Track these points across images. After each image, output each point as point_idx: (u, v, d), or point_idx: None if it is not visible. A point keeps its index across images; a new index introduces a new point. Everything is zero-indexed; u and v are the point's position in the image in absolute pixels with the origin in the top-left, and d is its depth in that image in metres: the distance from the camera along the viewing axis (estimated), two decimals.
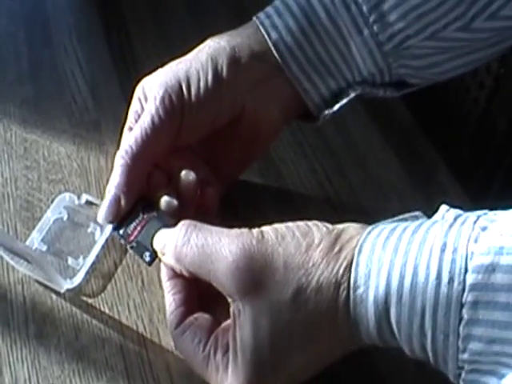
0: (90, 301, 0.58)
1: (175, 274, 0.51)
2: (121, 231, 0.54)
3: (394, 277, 0.42)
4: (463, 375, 0.41)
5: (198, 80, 0.55)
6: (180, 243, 0.49)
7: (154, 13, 0.84)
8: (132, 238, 0.54)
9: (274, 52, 0.56)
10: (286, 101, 0.58)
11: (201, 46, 0.57)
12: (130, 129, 0.57)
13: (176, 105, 0.54)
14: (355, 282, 0.44)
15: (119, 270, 0.59)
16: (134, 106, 0.58)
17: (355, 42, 0.55)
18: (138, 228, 0.54)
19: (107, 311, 0.57)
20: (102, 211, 0.53)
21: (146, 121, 0.54)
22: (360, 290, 0.43)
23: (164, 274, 0.52)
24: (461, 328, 0.40)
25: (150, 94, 0.55)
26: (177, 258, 0.49)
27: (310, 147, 0.68)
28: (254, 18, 0.57)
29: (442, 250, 0.41)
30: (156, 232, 0.53)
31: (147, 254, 0.53)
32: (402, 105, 0.72)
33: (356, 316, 0.44)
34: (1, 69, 0.77)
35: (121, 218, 0.54)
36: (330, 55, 0.56)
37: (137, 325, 0.56)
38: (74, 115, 0.72)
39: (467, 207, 0.44)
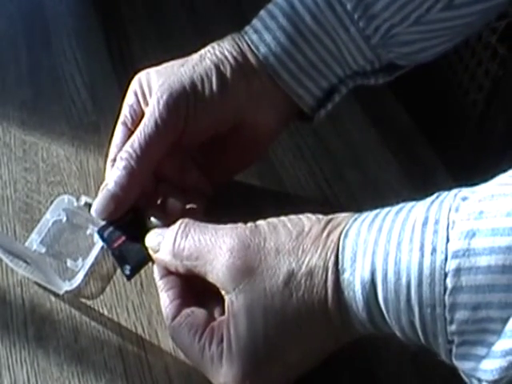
0: (88, 303, 0.58)
1: (168, 272, 0.52)
2: (105, 234, 0.54)
3: (379, 255, 0.43)
4: (454, 350, 0.41)
5: (203, 86, 0.55)
6: (179, 238, 0.50)
7: (152, 15, 0.84)
8: (115, 245, 0.54)
9: (265, 65, 0.56)
10: (282, 109, 0.58)
11: (202, 52, 0.57)
12: (124, 123, 0.57)
13: (181, 110, 0.54)
14: (342, 265, 0.44)
15: (118, 271, 0.59)
16: (130, 99, 0.57)
17: (343, 41, 0.56)
18: (123, 238, 0.54)
19: (106, 313, 0.57)
20: (98, 205, 0.54)
21: (149, 125, 0.54)
22: (347, 274, 0.44)
23: (156, 273, 0.53)
24: (446, 297, 0.40)
25: (150, 95, 0.55)
26: (175, 252, 0.50)
27: (308, 150, 0.68)
28: (243, 33, 0.57)
29: (424, 224, 0.41)
30: (138, 249, 0.53)
31: (128, 267, 0.54)
32: (400, 107, 0.72)
33: (345, 300, 0.45)
34: (0, 72, 0.77)
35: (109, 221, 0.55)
36: (319, 57, 0.56)
37: (136, 327, 0.56)
38: (73, 117, 0.72)
39: None
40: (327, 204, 0.64)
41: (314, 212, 0.49)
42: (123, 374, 0.53)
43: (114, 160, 0.55)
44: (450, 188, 0.42)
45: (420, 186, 0.65)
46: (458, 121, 0.79)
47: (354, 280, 0.44)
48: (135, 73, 0.59)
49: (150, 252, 0.53)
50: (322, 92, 0.58)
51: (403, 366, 0.53)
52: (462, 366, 0.41)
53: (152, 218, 0.55)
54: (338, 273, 0.45)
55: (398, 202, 0.43)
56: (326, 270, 0.45)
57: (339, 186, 0.65)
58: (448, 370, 0.43)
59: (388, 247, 0.42)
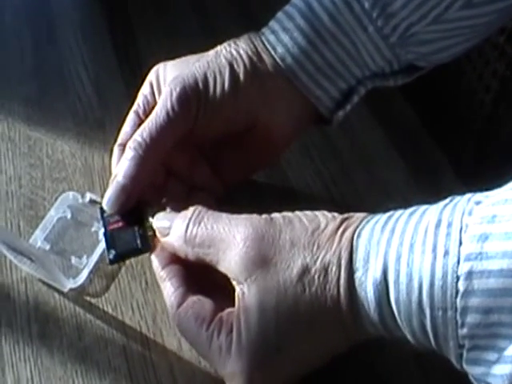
0: (93, 301, 0.57)
1: (169, 261, 0.51)
2: (105, 214, 0.55)
3: (391, 256, 0.42)
4: (465, 354, 0.41)
5: (215, 83, 0.55)
6: (192, 224, 0.49)
7: (159, 11, 0.83)
8: (111, 227, 0.54)
9: (282, 66, 0.56)
10: (298, 111, 0.58)
11: (218, 49, 0.57)
12: (136, 112, 0.57)
13: (192, 104, 0.54)
14: (355, 264, 0.44)
15: (123, 269, 0.59)
16: (145, 89, 0.58)
17: (361, 40, 0.55)
18: (121, 224, 0.54)
19: (110, 311, 0.57)
20: (110, 198, 0.54)
21: (161, 115, 0.54)
22: (359, 273, 0.44)
23: (157, 264, 0.52)
24: (458, 300, 0.39)
25: (164, 85, 0.55)
26: (187, 238, 0.49)
27: (315, 149, 0.67)
28: (260, 34, 0.57)
29: (437, 226, 0.41)
30: (131, 239, 0.53)
31: (113, 252, 0.53)
32: (408, 107, 0.72)
33: (357, 299, 0.44)
34: (5, 66, 0.77)
35: None
36: (337, 58, 0.56)
37: (140, 325, 0.56)
38: (79, 113, 0.72)
39: None
40: (334, 203, 0.63)
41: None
42: (127, 373, 0.53)
43: (121, 145, 0.56)
44: (457, 189, 0.42)
45: (427, 186, 0.64)
46: (465, 121, 0.79)
47: (367, 280, 0.44)
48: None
49: (158, 235, 0.52)
50: (340, 93, 0.57)
51: (406, 365, 0.53)
52: (473, 370, 0.41)
53: (150, 218, 0.54)
54: (351, 271, 0.44)
55: (404, 202, 0.43)
56: (339, 267, 0.45)
57: (346, 185, 0.65)
58: (452, 368, 0.43)
59: (401, 249, 0.42)
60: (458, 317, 0.40)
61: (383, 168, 0.66)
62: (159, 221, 0.53)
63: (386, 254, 0.43)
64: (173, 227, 0.51)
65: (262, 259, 0.46)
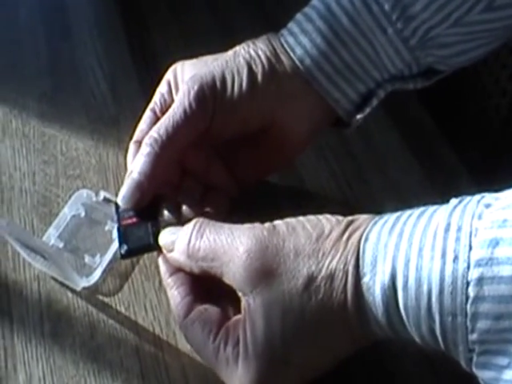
0: (106, 300, 0.57)
1: (177, 269, 0.51)
2: (120, 208, 0.55)
3: (400, 260, 0.42)
4: (474, 358, 0.40)
5: (233, 83, 0.54)
6: (193, 238, 0.49)
7: (174, 9, 0.83)
8: (124, 223, 0.54)
9: (301, 68, 0.55)
10: (316, 114, 0.57)
11: (237, 49, 0.57)
12: (153, 110, 0.57)
13: (209, 102, 0.54)
14: (362, 269, 0.44)
15: (136, 269, 0.59)
16: (162, 87, 0.58)
17: (380, 43, 0.55)
18: (134, 220, 0.54)
19: (123, 311, 0.56)
20: (125, 194, 0.53)
21: (178, 112, 0.53)
22: (366, 278, 0.44)
23: (164, 270, 0.52)
24: (468, 306, 0.39)
25: (182, 84, 0.55)
26: (190, 252, 0.49)
27: (330, 150, 0.67)
28: (279, 35, 0.57)
29: (446, 230, 0.41)
30: (143, 235, 0.53)
31: (125, 247, 0.53)
32: (423, 109, 0.71)
33: (365, 304, 0.44)
34: (20, 62, 0.77)
35: None
36: (357, 60, 0.55)
37: (153, 326, 0.55)
38: (93, 110, 0.72)
39: None
40: (348, 205, 0.63)
41: (334, 213, 0.49)
42: (139, 373, 0.53)
43: (137, 142, 0.56)
44: (471, 192, 0.42)
45: (442, 188, 0.64)
46: (480, 124, 0.78)
47: (374, 285, 0.43)
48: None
49: (164, 251, 0.52)
50: (359, 96, 0.57)
51: (414, 363, 0.53)
52: (483, 375, 0.41)
53: (165, 212, 0.54)
54: (358, 276, 0.44)
55: (419, 204, 0.43)
56: (346, 273, 0.44)
57: (360, 187, 0.64)
58: (463, 368, 0.42)
59: (409, 253, 0.42)
60: (468, 322, 0.39)
61: (398, 170, 0.66)
62: (163, 237, 0.52)
63: (395, 259, 0.42)
64: (176, 242, 0.51)
65: (266, 270, 0.46)
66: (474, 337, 0.40)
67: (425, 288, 0.41)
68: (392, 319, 0.43)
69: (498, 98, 0.76)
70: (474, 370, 0.41)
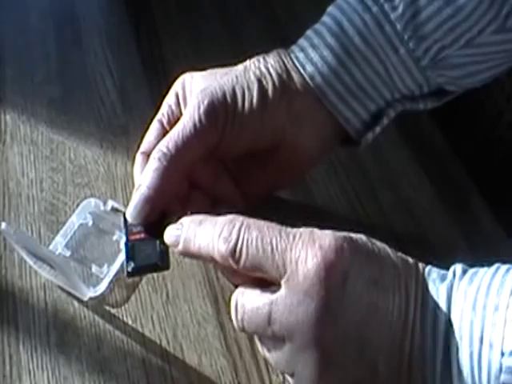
0: (113, 311, 0.57)
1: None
2: (129, 222, 0.53)
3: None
4: None
5: (243, 98, 0.54)
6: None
7: (185, 18, 0.83)
8: (132, 238, 0.52)
9: (311, 85, 0.55)
10: (326, 131, 0.57)
11: (247, 64, 0.56)
12: (160, 121, 0.56)
13: (220, 117, 0.53)
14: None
15: (144, 280, 0.58)
16: (170, 98, 0.57)
17: (392, 62, 0.54)
18: (143, 235, 0.53)
19: (130, 323, 0.56)
20: (134, 209, 0.52)
21: (187, 127, 0.52)
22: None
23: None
24: None
25: (191, 98, 0.54)
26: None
27: (341, 167, 0.67)
28: (289, 51, 0.56)
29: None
30: (151, 253, 0.52)
31: (132, 264, 0.51)
32: (434, 126, 0.71)
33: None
34: (29, 68, 0.76)
35: None
36: (368, 79, 0.55)
37: (160, 339, 0.55)
38: (102, 119, 0.71)
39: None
40: (358, 222, 0.63)
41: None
42: None
43: (144, 153, 0.55)
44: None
45: (453, 208, 0.64)
46: (492, 143, 0.78)
47: None
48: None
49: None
50: (369, 115, 0.56)
51: None
52: None
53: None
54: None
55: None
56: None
57: (371, 204, 0.64)
58: None
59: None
60: None
61: (408, 187, 0.66)
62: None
63: None
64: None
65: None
66: None
67: None
68: None
69: (509, 115, 0.75)
70: None
